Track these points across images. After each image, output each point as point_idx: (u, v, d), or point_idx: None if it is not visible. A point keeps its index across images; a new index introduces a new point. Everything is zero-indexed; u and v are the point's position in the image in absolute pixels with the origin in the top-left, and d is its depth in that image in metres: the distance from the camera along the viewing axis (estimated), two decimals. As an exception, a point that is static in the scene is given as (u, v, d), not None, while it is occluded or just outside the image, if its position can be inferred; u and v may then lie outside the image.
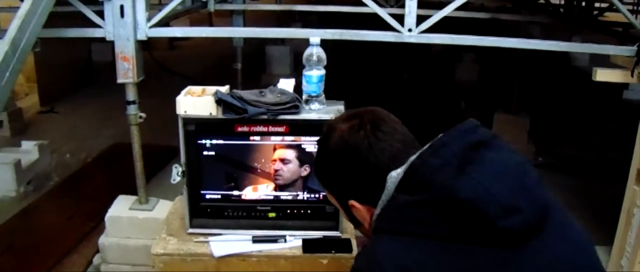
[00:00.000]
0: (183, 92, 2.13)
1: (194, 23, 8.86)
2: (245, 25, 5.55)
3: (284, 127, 2.10)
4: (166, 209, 2.59)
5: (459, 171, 1.09)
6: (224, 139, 2.13)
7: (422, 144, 1.22)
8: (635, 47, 3.02)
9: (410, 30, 3.09)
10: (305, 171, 2.16)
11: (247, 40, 5.76)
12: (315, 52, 2.09)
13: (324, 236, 2.20)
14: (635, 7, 6.02)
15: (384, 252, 1.13)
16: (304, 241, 2.18)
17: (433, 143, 1.18)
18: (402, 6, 3.18)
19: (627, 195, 3.09)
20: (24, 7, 2.67)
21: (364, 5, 3.34)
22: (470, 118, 1.22)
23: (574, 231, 1.21)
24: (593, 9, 5.09)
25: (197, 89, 2.16)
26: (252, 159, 2.16)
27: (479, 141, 1.16)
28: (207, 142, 2.13)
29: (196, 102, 2.07)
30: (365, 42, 3.32)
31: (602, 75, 3.13)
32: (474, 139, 1.16)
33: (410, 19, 3.08)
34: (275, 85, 2.22)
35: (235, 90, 2.13)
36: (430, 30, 3.16)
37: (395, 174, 1.20)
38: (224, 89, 2.16)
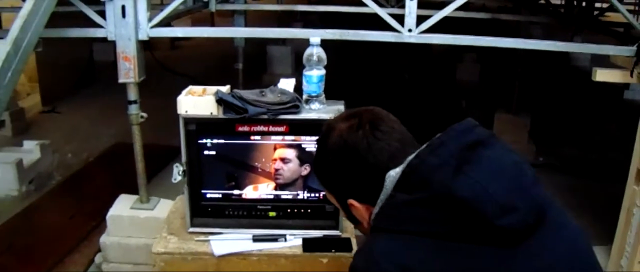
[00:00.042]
0: (184, 92, 2.14)
1: (195, 23, 8.86)
2: (246, 25, 5.56)
3: (284, 126, 2.11)
4: (167, 208, 2.60)
5: (456, 170, 1.10)
6: (225, 139, 2.14)
7: (423, 143, 1.23)
8: (634, 48, 3.03)
9: (410, 30, 3.10)
10: (306, 170, 2.17)
11: (248, 40, 5.77)
12: (315, 52, 2.10)
13: (324, 235, 2.21)
14: (636, 7, 6.03)
15: (382, 250, 1.13)
16: (304, 240, 2.19)
17: (431, 142, 1.18)
18: (403, 6, 3.19)
19: (627, 195, 3.09)
20: (26, 7, 2.68)
21: (365, 5, 3.35)
22: (468, 118, 1.23)
23: (571, 230, 1.22)
24: (593, 9, 5.09)
25: (198, 88, 2.17)
26: (253, 159, 2.17)
27: (477, 140, 1.16)
28: (208, 141, 2.14)
29: (197, 101, 2.08)
30: (367, 42, 3.33)
31: (602, 75, 3.14)
32: (472, 138, 1.16)
33: (410, 19, 3.08)
34: (276, 85, 2.23)
35: (235, 90, 2.14)
36: (430, 30, 3.17)
37: (394, 173, 1.21)
38: (225, 88, 2.17)
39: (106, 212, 3.62)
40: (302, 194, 2.22)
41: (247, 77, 5.89)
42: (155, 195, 3.71)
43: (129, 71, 3.19)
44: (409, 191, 1.15)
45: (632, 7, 5.74)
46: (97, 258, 3.76)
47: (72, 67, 7.77)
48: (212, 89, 2.14)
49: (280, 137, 2.13)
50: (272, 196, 2.23)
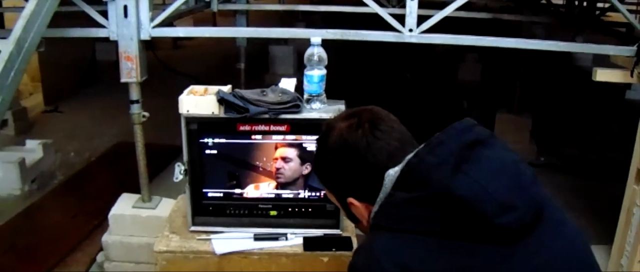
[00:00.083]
0: (185, 91, 2.15)
1: (197, 23, 8.88)
2: (248, 25, 5.57)
3: (285, 126, 2.12)
4: (169, 207, 2.61)
5: (455, 169, 1.11)
6: (226, 138, 2.15)
7: (423, 143, 1.24)
8: (634, 48, 3.03)
9: (411, 30, 3.11)
10: (307, 169, 2.18)
11: (250, 40, 5.78)
12: (316, 52, 2.11)
13: (325, 234, 2.22)
14: (638, 7, 6.02)
15: (383, 249, 1.14)
16: (305, 238, 2.19)
17: (430, 141, 1.19)
18: (404, 6, 3.19)
19: (627, 194, 3.09)
20: (29, 7, 2.69)
21: (366, 5, 3.35)
22: (467, 117, 1.23)
23: (570, 229, 1.22)
24: (595, 9, 5.09)
25: (200, 88, 2.18)
26: (254, 158, 2.18)
27: (476, 139, 1.17)
28: (210, 140, 2.15)
29: (198, 101, 2.09)
30: (369, 42, 3.34)
31: (602, 75, 3.15)
32: (471, 137, 1.17)
33: (411, 19, 3.09)
34: (277, 84, 2.25)
35: (237, 90, 2.14)
36: (431, 30, 3.17)
37: (393, 172, 1.21)
38: (226, 88, 2.18)
39: (108, 211, 3.63)
40: (303, 193, 2.23)
41: (249, 77, 5.90)
42: (157, 194, 3.72)
43: (131, 71, 3.20)
44: (407, 190, 1.16)
45: (633, 7, 5.72)
46: (99, 257, 3.77)
47: (74, 67, 7.79)
48: (214, 88, 2.15)
49: (281, 137, 2.14)
50: (273, 195, 2.24)
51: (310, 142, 2.12)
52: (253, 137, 2.14)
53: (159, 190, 3.87)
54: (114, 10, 3.14)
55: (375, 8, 3.30)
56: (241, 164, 2.20)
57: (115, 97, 4.98)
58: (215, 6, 4.85)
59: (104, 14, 3.19)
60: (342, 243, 2.18)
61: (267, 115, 2.08)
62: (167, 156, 4.98)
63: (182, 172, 2.14)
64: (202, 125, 2.12)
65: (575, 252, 1.20)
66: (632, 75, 3.06)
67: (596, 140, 6.32)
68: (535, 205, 1.13)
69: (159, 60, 8.31)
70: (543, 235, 1.14)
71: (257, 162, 2.19)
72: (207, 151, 2.16)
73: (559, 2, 6.26)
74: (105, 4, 3.14)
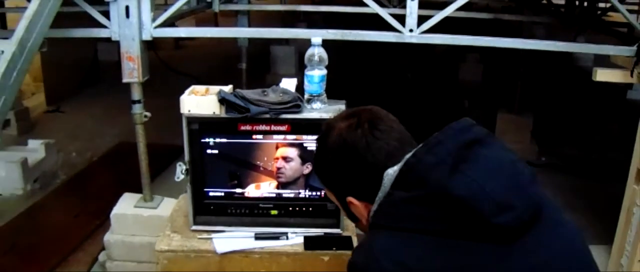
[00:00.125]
0: (187, 91, 2.16)
1: (199, 23, 8.88)
2: (250, 25, 5.58)
3: (286, 126, 2.13)
4: (170, 206, 2.62)
5: (453, 168, 1.11)
6: (227, 138, 2.16)
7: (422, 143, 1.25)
8: (634, 48, 3.04)
9: (411, 30, 3.12)
10: (307, 168, 2.19)
11: (251, 40, 5.79)
12: (317, 52, 2.12)
13: (325, 233, 2.23)
14: (639, 7, 6.01)
15: (382, 247, 1.15)
16: (306, 238, 2.20)
17: (428, 141, 1.20)
18: (405, 7, 3.20)
19: (627, 194, 3.10)
20: (32, 8, 2.70)
21: (367, 5, 3.36)
22: (465, 117, 1.24)
23: (567, 228, 1.23)
24: (595, 9, 5.09)
25: (201, 88, 2.19)
26: (255, 157, 2.19)
27: (474, 139, 1.18)
28: (211, 140, 2.16)
29: (200, 101, 2.10)
30: (370, 42, 3.34)
31: (603, 75, 3.15)
32: (469, 137, 1.18)
33: (411, 19, 3.10)
34: (278, 84, 2.26)
35: (238, 90, 2.15)
36: (431, 30, 3.18)
37: (392, 172, 1.22)
38: (227, 88, 2.19)
39: (110, 211, 3.64)
40: (304, 193, 2.24)
41: (251, 77, 5.90)
42: (159, 194, 3.73)
43: (132, 71, 3.21)
44: (406, 189, 1.17)
45: (634, 7, 5.71)
46: (101, 256, 3.78)
47: (76, 67, 7.80)
48: (215, 88, 2.16)
49: (282, 136, 2.15)
50: (274, 195, 2.25)
51: (311, 142, 2.12)
52: (254, 137, 2.15)
53: (161, 190, 3.88)
54: (115, 10, 3.15)
55: (375, 8, 3.31)
56: (242, 164, 2.21)
57: (117, 97, 4.99)
58: (216, 6, 4.87)
59: (106, 15, 3.20)
60: (343, 242, 2.19)
61: (268, 115, 2.10)
62: (168, 155, 4.99)
63: (183, 171, 2.15)
64: (203, 125, 2.13)
65: (574, 252, 1.21)
66: (632, 76, 3.06)
67: (597, 140, 6.32)
68: (533, 204, 1.14)
69: (160, 61, 8.31)
70: (541, 235, 1.14)
71: (258, 162, 2.20)
72: (209, 151, 2.17)
73: (560, 2, 6.25)
74: (107, 4, 3.16)
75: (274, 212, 2.25)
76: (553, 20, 5.93)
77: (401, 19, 3.17)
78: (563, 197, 4.71)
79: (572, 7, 5.48)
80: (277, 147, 2.17)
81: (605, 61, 3.46)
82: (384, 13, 3.22)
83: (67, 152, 5.71)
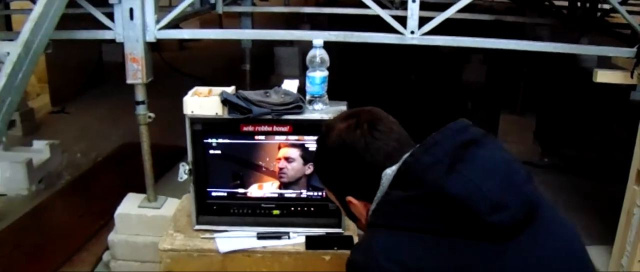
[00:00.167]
0: (190, 92, 2.19)
1: (204, 24, 8.88)
2: (253, 27, 5.59)
3: (288, 126, 2.15)
4: (174, 206, 2.63)
5: (449, 168, 1.13)
6: (230, 138, 2.18)
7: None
8: (635, 49, 3.05)
9: (412, 32, 3.13)
10: (309, 169, 2.21)
11: (255, 42, 5.79)
12: (318, 54, 2.14)
13: (327, 233, 2.25)
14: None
15: (381, 246, 1.17)
16: (307, 237, 2.22)
17: (425, 141, 1.22)
18: (407, 8, 3.22)
19: (627, 195, 3.10)
20: (37, 10, 2.71)
21: (369, 7, 3.38)
22: (462, 118, 1.27)
23: (563, 227, 1.25)
24: (597, 11, 5.09)
25: (204, 89, 2.21)
26: (257, 158, 2.22)
27: (470, 139, 1.19)
28: (214, 141, 2.18)
29: (203, 102, 2.12)
30: (373, 44, 3.34)
31: (603, 76, 3.16)
32: (465, 137, 1.20)
33: (412, 21, 3.11)
34: (280, 86, 2.28)
35: (240, 91, 2.18)
36: (434, 31, 3.19)
37: (390, 171, 1.24)
38: (230, 89, 2.21)
39: (114, 211, 3.66)
40: (306, 193, 2.26)
41: (255, 78, 5.91)
42: (163, 194, 3.74)
43: (136, 72, 3.23)
44: (403, 188, 1.18)
45: (637, 9, 5.71)
46: (105, 256, 3.80)
47: (81, 68, 7.81)
48: (218, 89, 2.18)
49: (284, 137, 2.17)
50: (276, 195, 2.27)
51: (312, 143, 2.13)
52: (256, 137, 2.17)
53: (165, 190, 3.89)
54: (120, 12, 3.17)
55: (376, 10, 3.32)
56: (245, 164, 2.23)
57: (121, 98, 5.01)
58: (220, 8, 4.88)
59: (110, 16, 3.22)
60: (344, 242, 2.21)
61: (270, 116, 2.12)
62: (172, 156, 4.99)
63: (186, 172, 2.17)
64: (206, 125, 2.15)
65: (569, 250, 1.22)
66: (632, 77, 3.07)
67: (600, 141, 6.32)
68: (528, 203, 1.15)
69: (165, 62, 8.34)
70: (536, 233, 1.16)
71: (261, 162, 2.22)
72: (211, 151, 2.19)
73: (564, 4, 6.25)
74: (112, 6, 3.18)
75: (276, 212, 2.28)
76: (555, 22, 5.92)
77: (403, 20, 3.18)
78: (565, 198, 4.72)
79: (574, 8, 5.48)
80: (279, 148, 2.19)
81: (607, 62, 3.46)
82: (385, 15, 3.24)
83: (71, 153, 5.72)
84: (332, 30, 3.23)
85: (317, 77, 2.16)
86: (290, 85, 2.28)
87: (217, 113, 2.12)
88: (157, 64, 3.82)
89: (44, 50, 2.81)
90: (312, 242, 2.21)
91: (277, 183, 2.25)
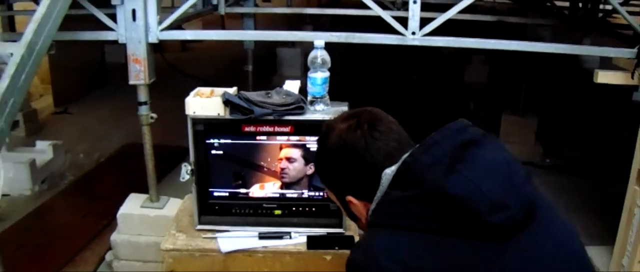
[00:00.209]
0: (192, 93, 2.19)
1: (207, 25, 8.89)
2: (256, 28, 5.60)
3: (290, 127, 2.15)
4: (176, 207, 2.64)
5: (449, 168, 1.14)
6: (232, 139, 2.19)
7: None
8: (635, 50, 3.05)
9: (413, 33, 3.14)
10: (311, 169, 2.21)
11: (258, 43, 5.80)
12: (319, 54, 2.15)
13: (328, 233, 2.26)
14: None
15: (381, 246, 1.18)
16: (309, 237, 2.23)
17: (425, 142, 1.22)
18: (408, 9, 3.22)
19: (628, 195, 3.11)
20: (40, 11, 2.72)
21: (371, 8, 3.39)
22: (462, 118, 1.27)
23: (562, 227, 1.26)
24: (598, 11, 5.08)
25: (206, 90, 2.22)
26: (259, 158, 2.22)
27: (470, 139, 1.20)
28: (216, 141, 2.19)
29: (205, 103, 2.13)
30: (376, 44, 3.35)
31: (604, 77, 3.16)
32: (465, 138, 1.21)
33: (413, 22, 3.12)
34: (281, 86, 2.29)
35: (242, 92, 2.18)
36: (435, 32, 3.19)
37: (390, 171, 1.25)
38: (232, 90, 2.22)
39: (117, 211, 3.67)
40: (307, 193, 2.27)
41: (257, 79, 5.91)
42: (165, 194, 3.75)
43: (139, 73, 3.24)
44: (403, 188, 1.19)
45: (638, 9, 5.70)
46: (108, 256, 3.81)
47: (84, 69, 7.81)
48: (220, 90, 2.19)
49: (285, 138, 2.18)
50: (277, 195, 2.28)
51: (314, 143, 2.13)
52: (258, 138, 2.18)
53: (167, 190, 3.90)
54: (122, 13, 3.18)
55: (378, 11, 3.33)
56: (246, 164, 2.24)
57: (124, 99, 5.02)
58: (222, 9, 4.89)
59: (113, 17, 3.24)
60: (345, 242, 2.21)
61: (271, 117, 2.12)
62: (174, 156, 5.00)
63: (188, 172, 2.18)
64: (208, 126, 2.16)
65: (568, 250, 1.23)
66: (633, 77, 3.07)
67: (601, 142, 6.31)
68: (527, 203, 1.16)
69: (167, 63, 8.33)
70: (535, 233, 1.17)
71: (262, 163, 2.23)
72: (213, 152, 2.20)
73: (565, 5, 6.24)
74: (114, 7, 3.19)
75: (277, 212, 2.28)
76: (557, 23, 5.92)
77: (405, 21, 3.19)
78: (567, 198, 4.72)
79: (575, 9, 5.47)
80: (280, 148, 2.20)
81: (609, 63, 3.46)
82: (387, 16, 3.24)
83: (74, 153, 5.73)
84: (335, 31, 3.24)
85: (319, 78, 2.17)
86: (292, 86, 2.29)
87: (219, 114, 2.13)
88: (160, 65, 3.83)
89: (47, 51, 2.82)
90: (313, 242, 2.22)
91: (278, 183, 2.26)
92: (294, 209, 2.28)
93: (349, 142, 1.32)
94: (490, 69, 8.96)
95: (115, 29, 3.23)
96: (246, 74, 5.84)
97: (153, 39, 3.25)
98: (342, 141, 1.33)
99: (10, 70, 2.49)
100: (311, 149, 2.17)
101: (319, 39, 2.17)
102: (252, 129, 2.16)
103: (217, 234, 2.26)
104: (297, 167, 2.23)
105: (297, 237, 2.25)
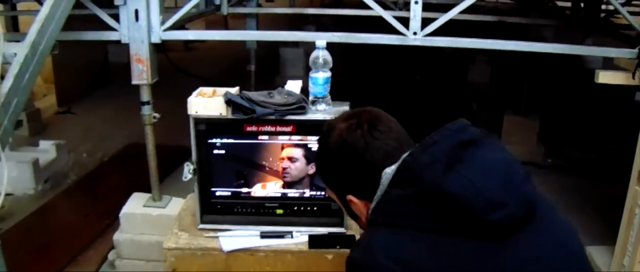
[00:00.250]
0: (194, 93, 2.21)
1: (210, 25, 8.88)
2: (258, 28, 5.61)
3: (291, 127, 2.16)
4: (179, 206, 2.65)
5: (448, 167, 1.15)
6: (234, 138, 2.20)
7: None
8: (637, 50, 3.05)
9: (415, 33, 3.15)
10: (312, 169, 2.22)
11: (260, 43, 5.80)
12: (321, 55, 2.15)
13: (330, 232, 2.26)
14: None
15: (381, 244, 1.18)
16: (310, 236, 2.24)
17: (424, 141, 1.23)
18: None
19: (629, 195, 3.11)
20: (44, 11, 2.73)
21: (373, 9, 3.40)
22: (461, 118, 1.28)
23: (561, 227, 1.26)
24: (599, 11, 5.09)
25: (208, 90, 2.23)
26: (261, 158, 2.23)
27: (469, 139, 1.21)
28: (218, 141, 2.20)
29: (207, 103, 2.14)
30: (378, 44, 3.36)
31: (605, 77, 3.17)
32: (464, 137, 1.21)
33: (415, 22, 3.12)
34: (283, 86, 2.30)
35: (244, 92, 2.19)
36: (437, 32, 3.20)
37: (389, 171, 1.26)
38: (234, 90, 2.23)
39: (120, 211, 3.69)
40: (309, 192, 2.28)
41: (260, 79, 5.91)
42: (168, 194, 3.77)
43: (142, 73, 3.25)
44: (402, 187, 1.20)
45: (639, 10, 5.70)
46: (111, 255, 3.83)
47: (87, 69, 7.82)
48: (222, 90, 2.20)
49: (287, 137, 2.19)
50: (279, 194, 2.29)
51: (315, 143, 2.13)
52: (260, 137, 2.19)
53: (169, 190, 3.92)
54: (125, 13, 3.19)
55: (379, 11, 3.33)
56: (248, 164, 2.25)
57: (126, 98, 5.03)
58: (225, 9, 4.89)
59: (116, 17, 3.25)
60: (346, 241, 2.22)
61: (273, 117, 2.13)
62: (177, 156, 5.00)
63: (191, 171, 2.19)
64: (210, 126, 2.17)
65: (566, 250, 1.23)
66: (634, 78, 3.08)
67: (603, 142, 6.31)
68: (526, 202, 1.16)
69: (170, 62, 8.34)
70: (534, 232, 1.17)
71: (264, 162, 2.24)
72: (215, 151, 2.21)
73: (567, 5, 6.24)
74: (117, 7, 3.20)
75: (279, 211, 2.29)
76: (559, 23, 5.92)
77: (406, 22, 3.19)
78: (568, 198, 4.72)
79: (577, 9, 5.47)
80: (282, 148, 2.21)
81: (612, 64, 3.46)
82: (388, 16, 3.25)
83: (77, 153, 5.75)
84: (337, 31, 3.25)
85: (320, 78, 2.17)
86: (294, 86, 2.30)
87: (221, 113, 2.14)
88: (163, 65, 3.83)
89: (50, 51, 2.83)
90: (314, 241, 2.22)
91: (280, 183, 2.27)
92: (295, 208, 2.29)
93: (349, 141, 1.33)
94: (492, 69, 8.95)
95: (118, 29, 3.24)
96: (249, 74, 5.84)
97: (156, 39, 3.26)
98: (343, 140, 1.34)
99: (13, 70, 2.49)
100: (313, 149, 2.17)
101: (321, 39, 2.18)
102: (254, 128, 2.17)
103: (219, 233, 2.27)
104: (299, 166, 2.24)
105: (299, 237, 2.25)
